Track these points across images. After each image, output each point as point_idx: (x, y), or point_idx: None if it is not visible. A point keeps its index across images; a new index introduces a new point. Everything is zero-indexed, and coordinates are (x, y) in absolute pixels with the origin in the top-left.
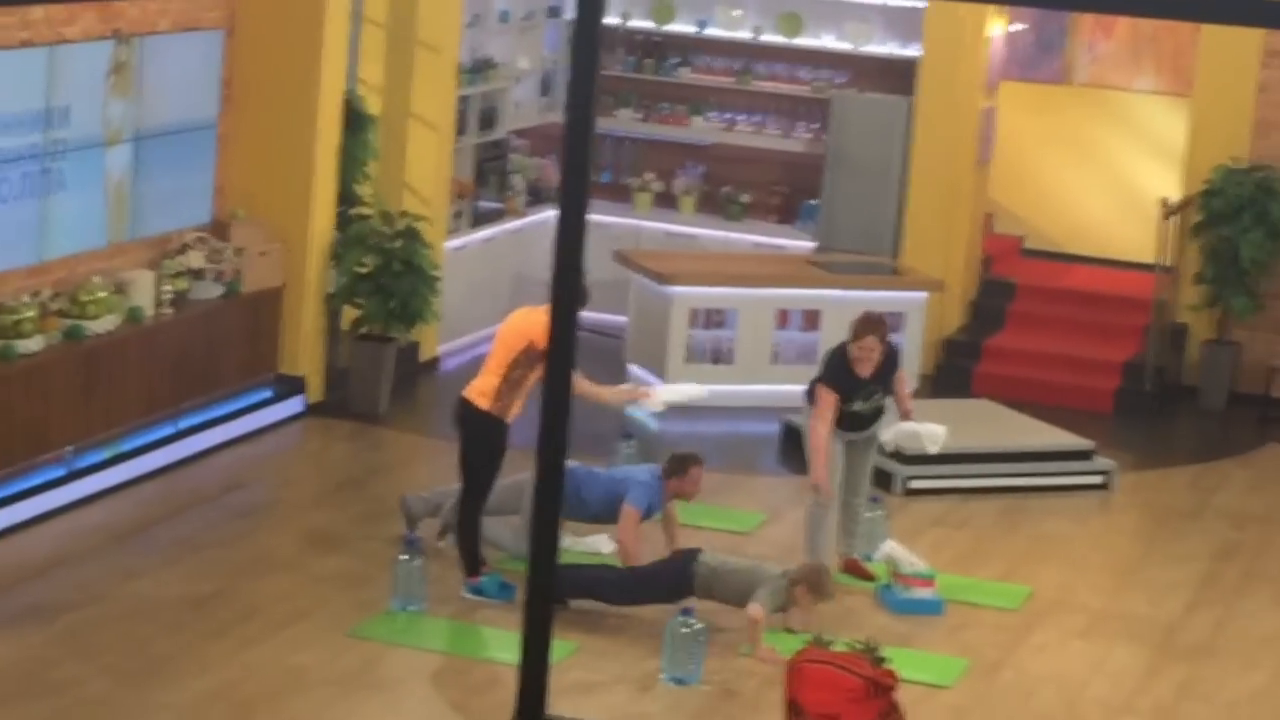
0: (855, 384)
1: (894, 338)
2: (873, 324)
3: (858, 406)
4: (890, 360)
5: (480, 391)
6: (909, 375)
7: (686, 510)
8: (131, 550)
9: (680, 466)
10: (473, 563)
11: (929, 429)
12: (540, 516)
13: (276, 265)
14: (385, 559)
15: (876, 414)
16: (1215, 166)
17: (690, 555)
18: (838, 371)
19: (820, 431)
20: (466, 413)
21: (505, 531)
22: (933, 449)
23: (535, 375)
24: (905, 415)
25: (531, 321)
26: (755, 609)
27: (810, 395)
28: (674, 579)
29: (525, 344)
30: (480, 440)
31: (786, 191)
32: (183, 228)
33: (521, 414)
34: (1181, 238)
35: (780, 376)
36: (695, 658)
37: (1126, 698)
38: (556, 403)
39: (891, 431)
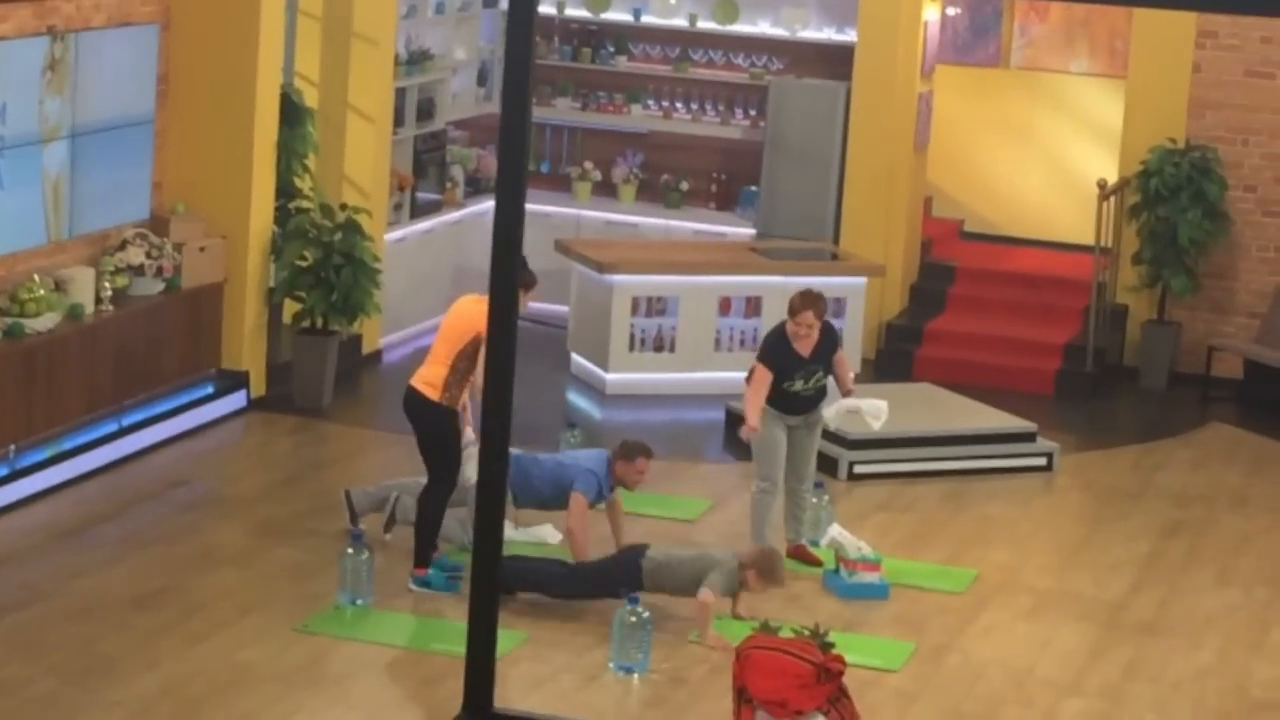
0: (795, 362)
1: (835, 323)
2: (810, 300)
3: (799, 386)
4: (830, 339)
5: (428, 382)
6: (850, 358)
7: (631, 499)
8: (76, 548)
9: (629, 453)
10: (426, 554)
11: (870, 404)
12: (483, 513)
13: (217, 260)
14: (331, 553)
15: (818, 395)
16: (1151, 147)
17: (638, 551)
18: (776, 349)
19: (753, 399)
20: (416, 404)
21: (453, 524)
22: (875, 425)
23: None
24: (846, 395)
25: (478, 312)
26: (705, 593)
27: (750, 379)
28: (622, 574)
29: (472, 335)
30: (435, 430)
31: (725, 179)
32: (122, 224)
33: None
34: (1119, 219)
35: (723, 363)
36: (643, 646)
37: (1074, 678)
38: (498, 395)
39: (832, 409)
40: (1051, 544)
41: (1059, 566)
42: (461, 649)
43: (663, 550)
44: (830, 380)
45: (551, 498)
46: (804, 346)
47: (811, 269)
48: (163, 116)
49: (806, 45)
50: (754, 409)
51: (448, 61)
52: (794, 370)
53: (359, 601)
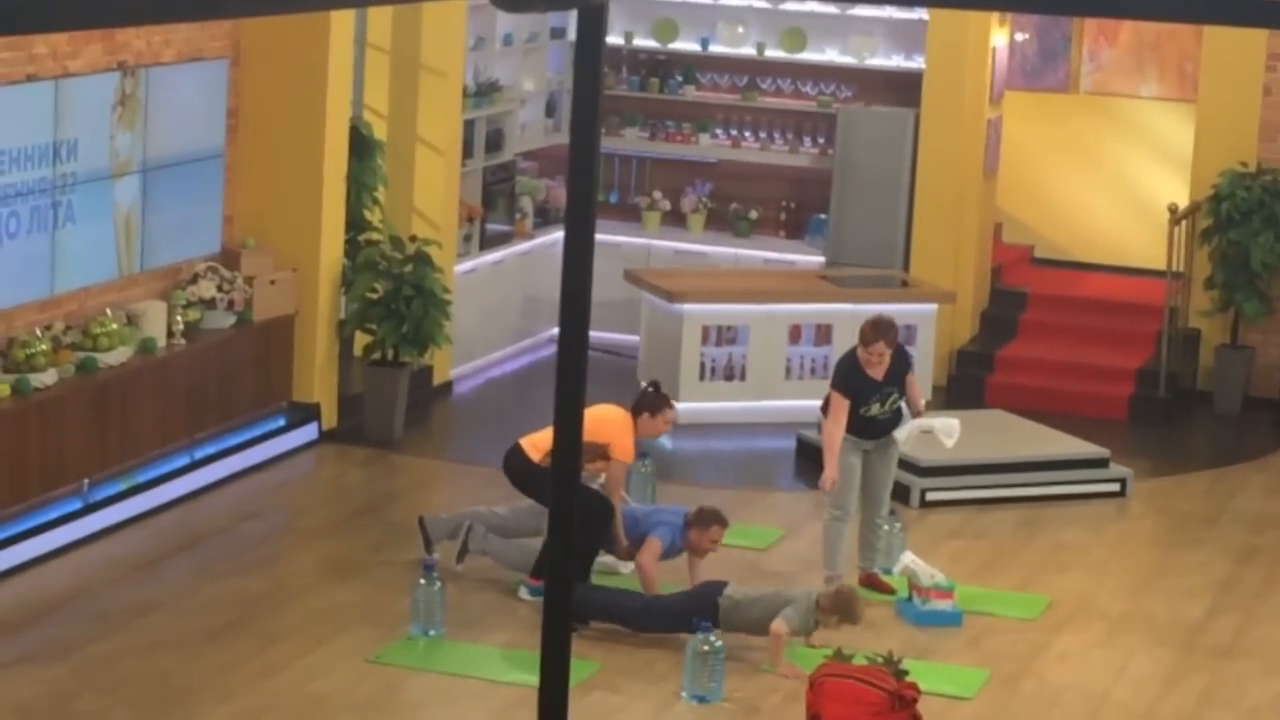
0: (870, 387)
1: (906, 350)
2: (881, 329)
3: (875, 410)
4: (902, 361)
5: (535, 446)
6: (922, 385)
7: None
8: (149, 581)
9: (704, 520)
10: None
11: (943, 422)
12: (557, 541)
13: (288, 293)
14: (404, 584)
15: (895, 418)
16: (1223, 171)
17: (716, 588)
18: (850, 376)
19: (834, 434)
20: (517, 461)
21: (513, 551)
22: (949, 442)
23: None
24: (917, 415)
25: (614, 426)
26: (779, 624)
27: (826, 407)
28: (699, 611)
29: (600, 440)
30: (534, 489)
31: (794, 207)
32: (193, 258)
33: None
34: (1191, 243)
35: (794, 392)
36: (716, 675)
37: (1149, 705)
38: (568, 428)
39: (905, 429)
40: (1126, 570)
41: (1133, 592)
42: (534, 679)
43: (740, 590)
44: (904, 402)
45: (628, 547)
46: (877, 371)
47: (882, 296)
48: (233, 151)
49: (874, 73)
50: (833, 454)
51: (516, 93)
52: (870, 395)
53: (432, 632)
